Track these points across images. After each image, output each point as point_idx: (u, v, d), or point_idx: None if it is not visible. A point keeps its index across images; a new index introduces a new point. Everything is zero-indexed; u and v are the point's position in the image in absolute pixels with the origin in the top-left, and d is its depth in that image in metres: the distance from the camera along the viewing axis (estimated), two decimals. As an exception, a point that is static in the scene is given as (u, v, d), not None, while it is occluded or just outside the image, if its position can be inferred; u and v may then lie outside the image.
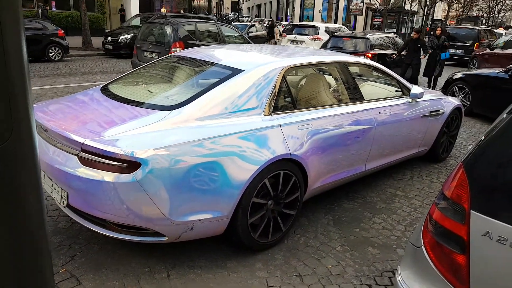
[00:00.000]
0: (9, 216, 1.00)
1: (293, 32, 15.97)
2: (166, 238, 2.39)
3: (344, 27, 19.11)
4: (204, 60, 3.23)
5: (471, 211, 1.36)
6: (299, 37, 15.12)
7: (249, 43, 11.22)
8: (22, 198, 1.03)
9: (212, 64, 3.11)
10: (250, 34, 19.56)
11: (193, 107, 2.56)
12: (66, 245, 2.70)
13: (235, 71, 2.87)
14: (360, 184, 4.04)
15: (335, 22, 42.62)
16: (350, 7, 33.12)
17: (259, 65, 2.96)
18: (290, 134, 2.80)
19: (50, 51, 12.13)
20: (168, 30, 9.19)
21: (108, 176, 2.21)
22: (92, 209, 2.35)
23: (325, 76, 3.68)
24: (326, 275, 2.61)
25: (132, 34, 13.91)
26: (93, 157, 2.24)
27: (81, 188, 2.31)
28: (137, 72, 3.49)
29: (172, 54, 3.66)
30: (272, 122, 2.76)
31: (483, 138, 1.50)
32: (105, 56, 14.34)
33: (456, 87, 7.55)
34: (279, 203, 2.83)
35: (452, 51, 14.64)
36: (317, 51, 3.91)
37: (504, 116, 1.54)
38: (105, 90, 3.04)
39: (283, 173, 2.76)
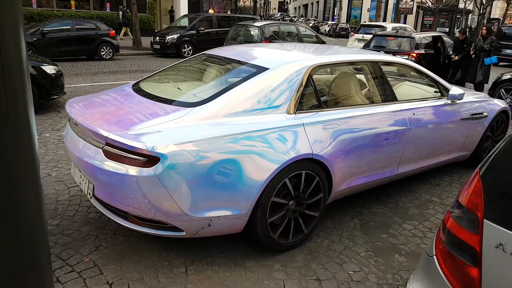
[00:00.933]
0: (4, 211, 1.01)
1: (360, 31, 16.91)
2: (184, 233, 2.43)
3: (410, 27, 18.62)
4: (231, 59, 3.25)
5: (484, 220, 1.25)
6: (366, 36, 15.28)
7: (323, 42, 11.74)
8: (20, 193, 1.03)
9: (239, 62, 3.12)
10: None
11: (216, 104, 2.57)
12: (93, 235, 2.83)
13: (260, 69, 2.85)
14: (393, 188, 3.87)
15: (384, 21, 41.32)
16: (400, 5, 31.92)
17: (284, 63, 2.92)
18: (314, 134, 2.74)
19: (102, 50, 12.80)
20: (256, 31, 10.84)
21: (130, 170, 2.28)
22: (115, 201, 2.43)
23: (355, 75, 3.56)
24: (346, 281, 2.53)
25: (179, 34, 14.33)
26: (116, 150, 2.32)
27: (105, 180, 2.40)
28: (168, 71, 3.58)
29: (203, 52, 3.71)
30: (296, 121, 2.72)
31: (501, 144, 1.38)
32: (153, 56, 14.88)
33: (503, 90, 7.03)
34: (301, 203, 2.78)
35: (508, 51, 13.64)
36: (349, 50, 3.79)
37: None
38: (136, 87, 3.14)
39: (305, 173, 2.71)
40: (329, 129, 2.84)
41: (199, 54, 3.72)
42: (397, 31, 10.71)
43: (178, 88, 3.12)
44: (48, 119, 5.73)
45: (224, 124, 2.48)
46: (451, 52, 8.69)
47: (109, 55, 12.98)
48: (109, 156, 2.36)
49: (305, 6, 57.11)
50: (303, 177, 2.71)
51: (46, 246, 1.16)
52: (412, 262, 2.76)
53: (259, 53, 3.34)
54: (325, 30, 34.83)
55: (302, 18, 44.06)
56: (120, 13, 19.37)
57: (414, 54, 8.22)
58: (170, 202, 2.30)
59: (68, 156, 4.24)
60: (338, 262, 2.72)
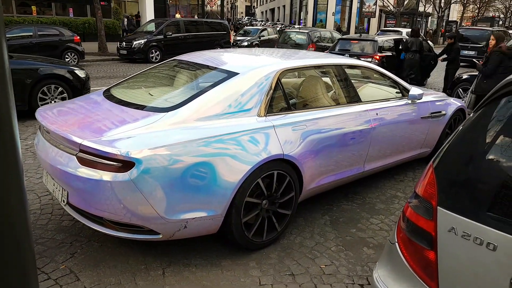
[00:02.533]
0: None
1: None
2: (161, 236, 2.48)
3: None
4: (202, 64, 3.32)
5: (438, 207, 1.40)
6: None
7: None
8: (4, 199, 1.04)
9: (210, 68, 3.20)
10: (262, 38, 19.67)
11: (188, 109, 2.64)
12: (68, 243, 2.82)
13: (230, 74, 2.95)
14: (360, 185, 4.06)
15: (348, 25, 42.47)
16: (363, 9, 32.96)
17: (253, 68, 3.03)
18: (284, 135, 2.86)
19: (66, 56, 12.49)
20: (304, 36, 13.93)
21: (105, 176, 2.31)
22: (90, 207, 2.45)
23: (321, 78, 3.72)
24: (318, 275, 2.65)
25: (146, 40, 14.20)
26: (90, 157, 2.35)
27: (79, 187, 2.41)
28: (139, 77, 3.61)
29: (173, 58, 3.76)
30: (267, 123, 2.83)
31: (450, 138, 1.54)
32: (120, 61, 14.65)
33: (461, 89, 7.46)
34: (274, 203, 2.89)
35: (465, 52, 14.42)
36: (316, 54, 3.96)
37: (471, 115, 1.58)
38: (107, 94, 3.16)
39: (277, 173, 2.82)
40: (298, 130, 2.97)
41: (169, 60, 3.77)
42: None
43: (149, 93, 3.16)
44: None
45: (196, 128, 2.55)
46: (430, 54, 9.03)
47: (74, 61, 12.67)
48: (83, 162, 2.38)
49: (272, 10, 57.80)
50: (275, 177, 2.82)
51: (31, 250, 1.19)
52: (380, 254, 2.93)
53: (228, 59, 3.44)
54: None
55: (269, 22, 44.53)
56: (125, 20, 19.11)
57: (377, 57, 8.57)
58: (146, 205, 2.34)
59: (37, 165, 4.16)
60: (311, 257, 2.84)
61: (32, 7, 19.66)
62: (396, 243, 1.58)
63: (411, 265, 1.49)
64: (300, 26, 38.66)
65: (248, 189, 2.65)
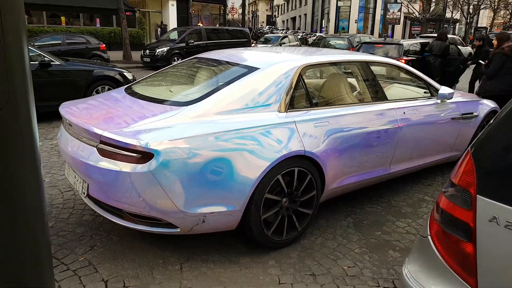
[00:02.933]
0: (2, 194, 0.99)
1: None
2: (179, 230, 2.43)
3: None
4: (222, 61, 3.30)
5: (478, 195, 1.29)
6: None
7: None
8: (18, 175, 1.01)
9: (230, 64, 3.17)
10: (283, 45, 19.70)
11: (208, 103, 2.61)
12: (87, 236, 2.81)
13: (251, 69, 2.91)
14: (385, 188, 3.92)
15: (372, 32, 42.04)
16: (387, 16, 32.56)
17: (274, 63, 2.98)
18: (305, 131, 2.78)
19: (92, 63, 12.82)
20: (344, 41, 14.52)
21: (125, 167, 2.30)
22: (109, 199, 2.43)
23: (345, 75, 3.63)
24: (341, 276, 2.54)
25: (169, 47, 14.43)
26: (110, 148, 2.34)
27: (100, 178, 2.40)
28: (160, 74, 3.62)
29: (193, 56, 3.76)
30: (287, 119, 2.76)
31: (490, 124, 1.43)
32: (143, 68, 14.92)
33: None
34: (294, 201, 2.80)
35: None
36: (339, 51, 3.87)
37: None
38: (129, 90, 3.17)
39: (298, 171, 2.74)
40: (320, 127, 2.89)
41: (189, 58, 3.77)
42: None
43: (170, 89, 3.16)
44: (41, 128, 5.70)
45: (216, 122, 2.51)
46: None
47: (100, 68, 12.98)
48: (104, 154, 2.37)
49: (293, 19, 57.95)
50: (296, 174, 2.74)
51: (46, 236, 1.15)
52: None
53: (249, 55, 3.40)
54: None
55: (290, 31, 44.62)
56: (159, 29, 19.70)
57: (403, 60, 8.39)
58: (164, 198, 2.31)
59: (61, 162, 4.23)
60: (333, 258, 2.73)
61: (61, 17, 20.37)
62: (429, 236, 1.47)
63: (446, 260, 1.39)
64: (322, 34, 38.53)
65: (268, 186, 2.58)
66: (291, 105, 2.87)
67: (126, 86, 3.35)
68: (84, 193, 2.57)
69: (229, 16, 30.80)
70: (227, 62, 3.22)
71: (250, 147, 2.50)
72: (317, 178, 2.88)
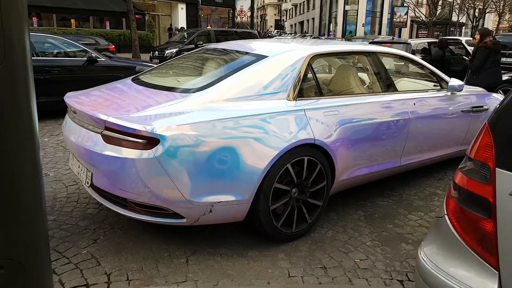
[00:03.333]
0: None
1: None
2: (185, 220, 2.35)
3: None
4: (230, 50, 3.24)
5: (497, 169, 1.20)
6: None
7: None
8: (14, 141, 0.95)
9: (238, 52, 3.11)
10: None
11: (217, 90, 2.54)
12: (91, 229, 2.75)
13: (259, 57, 2.84)
14: (396, 182, 3.81)
15: (379, 35, 41.89)
16: (394, 19, 32.44)
17: (283, 52, 2.91)
18: (315, 120, 2.70)
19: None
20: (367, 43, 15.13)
21: (130, 154, 2.23)
22: (114, 188, 2.37)
23: (354, 65, 3.55)
24: (353, 269, 2.44)
25: (178, 49, 14.44)
26: (115, 134, 2.27)
27: (104, 166, 2.34)
28: (167, 64, 3.57)
29: (201, 47, 3.71)
30: (296, 107, 2.68)
31: (507, 96, 1.35)
32: (150, 71, 14.95)
33: (501, 90, 7.04)
34: (304, 191, 2.71)
35: (504, 59, 13.79)
36: (348, 42, 3.79)
37: None
38: (135, 80, 3.12)
39: (308, 160, 2.65)
40: (330, 115, 2.80)
41: (198, 49, 3.71)
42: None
43: (178, 78, 3.11)
44: (47, 125, 5.69)
45: (224, 109, 2.44)
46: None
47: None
48: (108, 140, 2.31)
49: (301, 23, 58.03)
50: (306, 164, 2.66)
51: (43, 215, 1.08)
52: (420, 249, 2.68)
53: (257, 45, 3.33)
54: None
55: (298, 35, 44.65)
56: (177, 32, 19.95)
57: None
58: (170, 186, 2.23)
59: (66, 158, 4.18)
60: (344, 251, 2.63)
61: (72, 20, 20.56)
62: (446, 216, 1.38)
63: (464, 239, 1.29)
64: (330, 37, 38.51)
65: (277, 175, 2.49)
66: (300, 94, 2.79)
67: (133, 76, 3.30)
68: (87, 183, 2.51)
69: (238, 19, 30.89)
70: (236, 51, 3.15)
71: (258, 135, 2.42)
72: (327, 169, 2.79)
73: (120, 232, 2.73)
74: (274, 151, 2.43)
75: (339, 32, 42.30)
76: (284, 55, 2.87)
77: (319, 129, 2.69)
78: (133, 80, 3.12)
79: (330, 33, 43.33)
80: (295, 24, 61.78)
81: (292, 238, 2.71)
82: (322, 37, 36.57)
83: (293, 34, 46.29)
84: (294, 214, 2.68)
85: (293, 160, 2.56)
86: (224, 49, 3.31)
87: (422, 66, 3.85)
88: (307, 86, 2.89)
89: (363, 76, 3.74)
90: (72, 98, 2.75)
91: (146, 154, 2.20)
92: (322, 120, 2.74)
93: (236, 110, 2.44)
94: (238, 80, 2.63)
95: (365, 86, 3.49)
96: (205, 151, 2.27)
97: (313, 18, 51.32)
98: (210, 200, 2.33)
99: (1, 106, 0.93)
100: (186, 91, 2.58)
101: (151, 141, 2.19)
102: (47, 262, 1.12)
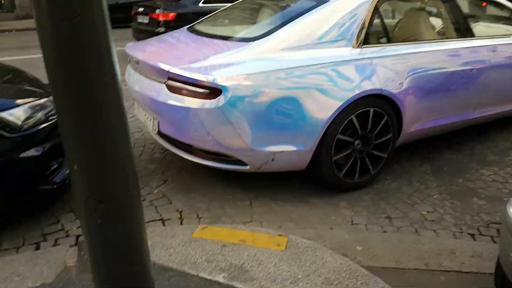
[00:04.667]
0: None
1: None
2: (248, 167, 2.39)
3: None
4: None
5: None
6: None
7: None
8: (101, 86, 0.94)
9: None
10: None
11: (276, 38, 2.45)
12: (159, 172, 2.89)
13: (320, 2, 2.66)
14: (467, 135, 3.56)
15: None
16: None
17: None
18: (383, 69, 2.54)
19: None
20: None
21: (193, 103, 2.25)
22: (180, 135, 2.44)
23: (426, 9, 3.24)
24: (420, 220, 2.37)
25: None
26: (179, 84, 2.31)
27: (169, 115, 2.40)
28: (221, 13, 3.49)
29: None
30: (362, 55, 2.52)
31: None
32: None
33: None
34: (368, 144, 2.62)
35: None
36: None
37: None
38: (191, 29, 3.10)
39: (373, 111, 2.54)
40: (399, 63, 2.62)
41: None
42: None
43: (233, 27, 3.05)
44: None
45: (285, 57, 2.36)
46: None
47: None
48: (173, 90, 2.35)
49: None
50: (371, 115, 2.54)
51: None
52: (494, 205, 2.53)
53: None
54: None
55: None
56: None
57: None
58: (233, 135, 2.25)
59: (128, 106, 4.36)
60: (409, 203, 2.56)
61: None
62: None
63: None
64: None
65: (340, 126, 2.42)
66: (366, 41, 2.61)
67: (187, 26, 3.28)
68: (155, 130, 2.61)
69: None
70: None
71: (321, 86, 2.33)
72: (394, 121, 2.66)
73: (187, 174, 2.85)
74: (338, 103, 2.34)
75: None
76: None
77: (387, 78, 2.54)
78: (188, 29, 3.10)
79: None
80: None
81: (354, 188, 2.67)
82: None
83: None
84: (357, 165, 2.62)
85: (357, 111, 2.46)
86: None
87: (503, 7, 3.43)
88: (373, 32, 2.70)
89: (435, 20, 3.42)
90: (134, 49, 2.80)
91: (208, 104, 2.21)
92: (390, 69, 2.57)
93: (296, 60, 2.35)
94: (298, 27, 2.50)
95: (438, 31, 3.20)
96: (267, 101, 2.23)
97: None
98: (273, 150, 2.33)
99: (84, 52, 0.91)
100: (245, 40, 2.53)
101: (214, 91, 2.19)
102: (138, 197, 1.20)
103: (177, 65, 2.33)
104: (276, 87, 2.25)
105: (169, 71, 2.30)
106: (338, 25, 2.56)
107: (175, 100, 2.33)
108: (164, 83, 2.39)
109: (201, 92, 2.24)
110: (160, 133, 2.59)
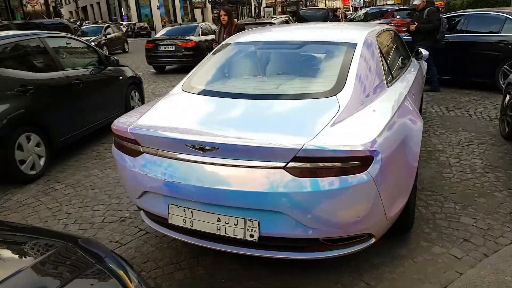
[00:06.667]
0: None
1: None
2: (373, 241, 2.05)
3: None
4: (302, 41, 2.82)
5: None
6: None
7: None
8: None
9: (316, 42, 2.75)
10: (109, 36, 17.66)
11: (353, 88, 2.23)
12: None
13: (350, 45, 2.58)
14: None
15: (174, 17, 42.13)
16: (193, 1, 33.18)
17: (361, 36, 2.71)
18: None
19: None
20: None
21: (335, 182, 1.76)
22: (303, 230, 1.84)
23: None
24: None
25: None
26: (308, 164, 1.76)
27: (295, 207, 1.78)
28: (221, 64, 2.93)
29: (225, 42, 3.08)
30: (396, 91, 2.59)
31: None
32: None
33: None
34: None
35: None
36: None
37: None
38: (204, 93, 2.45)
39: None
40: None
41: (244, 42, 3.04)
42: None
43: (279, 83, 2.55)
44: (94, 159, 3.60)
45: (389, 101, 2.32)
46: None
47: None
48: (301, 173, 1.76)
49: (84, 8, 52.30)
50: None
51: None
52: None
53: (325, 32, 3.15)
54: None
55: (87, 22, 40.26)
56: None
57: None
58: (379, 207, 1.90)
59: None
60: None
61: None
62: None
63: None
64: (124, 22, 36.38)
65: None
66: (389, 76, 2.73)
67: (179, 88, 2.49)
68: (252, 237, 1.85)
69: (29, 8, 25.29)
70: (312, 41, 2.82)
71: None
72: None
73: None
74: None
75: (134, 16, 40.40)
76: (365, 39, 2.67)
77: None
78: (201, 94, 2.42)
79: (124, 18, 41.02)
80: (76, 11, 55.27)
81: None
82: (122, 22, 34.26)
83: (80, 22, 41.55)
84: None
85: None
86: (290, 41, 2.84)
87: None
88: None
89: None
90: (205, 135, 1.91)
91: (358, 177, 1.78)
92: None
93: (392, 104, 2.28)
94: (361, 73, 2.36)
95: None
96: (394, 158, 2.00)
97: (98, 3, 47.06)
98: (396, 212, 2.11)
99: None
100: (324, 95, 2.19)
101: (363, 160, 1.79)
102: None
103: (299, 140, 1.76)
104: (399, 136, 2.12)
105: (302, 148, 1.72)
106: (374, 66, 2.57)
107: (304, 185, 1.75)
108: (284, 167, 1.76)
109: (347, 166, 1.77)
110: (261, 239, 1.86)
